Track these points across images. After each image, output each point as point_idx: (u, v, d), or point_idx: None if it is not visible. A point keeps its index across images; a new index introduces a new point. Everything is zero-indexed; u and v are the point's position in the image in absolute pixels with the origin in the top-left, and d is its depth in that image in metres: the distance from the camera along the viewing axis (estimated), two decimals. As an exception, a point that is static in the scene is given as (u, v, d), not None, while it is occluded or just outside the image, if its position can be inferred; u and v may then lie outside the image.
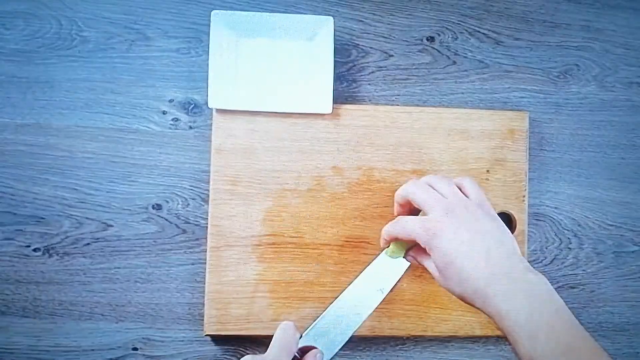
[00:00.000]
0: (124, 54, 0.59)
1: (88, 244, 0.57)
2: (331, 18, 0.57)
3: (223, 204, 0.56)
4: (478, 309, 0.45)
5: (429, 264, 0.49)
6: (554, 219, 0.62)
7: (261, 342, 0.58)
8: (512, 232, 0.59)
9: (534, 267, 0.61)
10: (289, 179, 0.57)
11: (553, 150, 0.63)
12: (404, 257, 0.51)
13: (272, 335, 0.56)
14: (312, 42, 0.58)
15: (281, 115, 0.57)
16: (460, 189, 0.50)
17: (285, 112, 0.57)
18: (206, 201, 0.58)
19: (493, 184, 0.59)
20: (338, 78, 0.61)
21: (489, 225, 0.47)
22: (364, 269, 0.51)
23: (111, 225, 0.57)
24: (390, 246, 0.51)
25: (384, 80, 0.61)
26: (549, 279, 0.62)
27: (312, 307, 0.57)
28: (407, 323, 0.58)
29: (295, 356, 0.45)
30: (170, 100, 0.59)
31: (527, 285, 0.43)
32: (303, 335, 0.47)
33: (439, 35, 0.62)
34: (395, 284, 0.50)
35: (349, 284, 0.50)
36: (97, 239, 0.57)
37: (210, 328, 0.56)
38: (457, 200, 0.48)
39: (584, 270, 0.63)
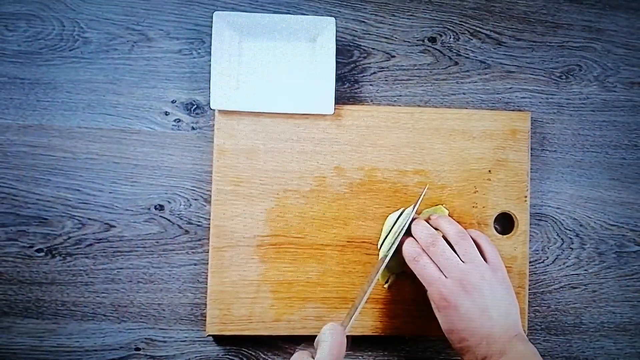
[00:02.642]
0: (126, 55, 0.59)
1: (90, 244, 0.57)
2: (333, 19, 0.57)
3: (225, 204, 0.57)
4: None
5: (431, 301, 0.52)
6: (555, 219, 0.62)
7: (263, 343, 0.58)
8: (514, 233, 0.59)
9: (536, 268, 0.62)
10: (291, 179, 0.57)
11: (555, 150, 0.63)
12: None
13: (274, 335, 0.57)
14: (314, 43, 0.58)
15: (283, 115, 0.57)
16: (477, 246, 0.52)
17: (288, 113, 0.57)
18: (208, 202, 0.58)
19: (495, 184, 0.59)
20: (340, 79, 0.61)
21: (500, 295, 0.50)
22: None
23: (114, 226, 0.57)
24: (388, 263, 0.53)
25: (386, 80, 0.61)
26: (550, 279, 0.62)
27: (314, 307, 0.57)
28: (409, 323, 0.58)
29: None
30: (173, 101, 0.59)
31: (518, 358, 0.47)
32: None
33: (440, 35, 0.62)
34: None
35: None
36: (100, 239, 0.57)
37: (213, 328, 0.56)
38: (475, 267, 0.50)
39: (585, 270, 0.63)
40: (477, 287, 0.49)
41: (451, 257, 0.51)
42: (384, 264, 0.52)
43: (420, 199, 0.55)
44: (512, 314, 0.50)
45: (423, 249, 0.52)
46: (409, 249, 0.52)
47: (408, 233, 0.54)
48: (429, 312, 0.58)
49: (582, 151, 0.63)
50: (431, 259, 0.51)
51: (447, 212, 0.58)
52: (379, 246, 0.57)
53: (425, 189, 0.57)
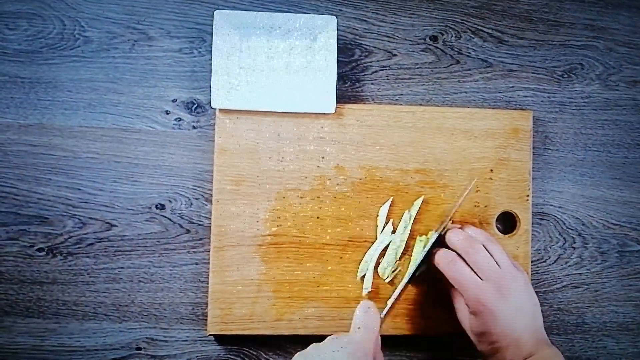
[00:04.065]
0: (127, 54, 0.59)
1: (91, 244, 0.57)
2: (334, 17, 0.57)
3: (226, 203, 0.56)
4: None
5: (462, 312, 0.54)
6: (558, 218, 0.62)
7: (265, 342, 0.58)
8: (516, 232, 0.59)
9: (538, 267, 0.62)
10: (292, 178, 0.57)
11: (557, 149, 0.63)
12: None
13: (276, 335, 0.57)
14: (315, 41, 0.58)
15: (284, 114, 0.57)
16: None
17: (289, 112, 0.57)
18: (209, 201, 0.58)
19: (497, 184, 0.59)
20: (341, 77, 0.61)
21: (528, 299, 0.51)
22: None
23: (115, 225, 0.57)
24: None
25: (387, 79, 0.61)
26: (552, 279, 0.62)
27: (316, 306, 0.56)
28: (409, 323, 0.58)
29: None
30: (174, 100, 0.59)
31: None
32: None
33: (442, 34, 0.62)
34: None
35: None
36: (101, 239, 0.57)
37: (214, 328, 0.56)
38: (509, 270, 0.52)
39: (588, 270, 0.62)
40: (512, 291, 0.50)
41: (489, 259, 0.52)
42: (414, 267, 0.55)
43: (456, 208, 0.57)
44: (537, 318, 0.52)
45: (459, 254, 0.53)
46: (444, 255, 0.53)
47: (438, 245, 0.55)
48: (430, 311, 0.58)
49: (585, 150, 0.63)
50: (467, 263, 0.52)
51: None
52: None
53: (471, 187, 0.58)
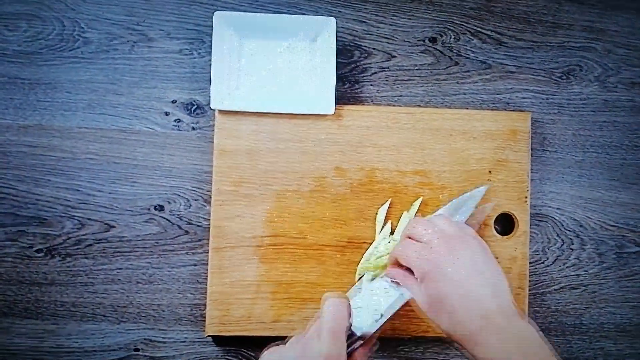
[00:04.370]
0: (127, 55, 0.59)
1: (90, 245, 0.57)
2: (333, 19, 0.57)
3: (225, 205, 0.56)
4: (460, 348, 0.46)
5: (416, 293, 0.48)
6: (556, 219, 0.62)
7: (263, 343, 0.58)
8: (514, 234, 0.59)
9: (536, 268, 0.62)
10: (291, 179, 0.57)
11: (555, 150, 0.63)
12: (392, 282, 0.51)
13: (273, 337, 0.56)
14: (315, 43, 0.58)
15: (284, 116, 0.57)
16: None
17: (288, 113, 0.57)
18: (208, 202, 0.58)
19: (495, 185, 0.59)
20: (340, 79, 0.61)
21: (486, 266, 0.47)
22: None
23: (113, 226, 0.57)
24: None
25: (386, 81, 0.61)
26: (550, 280, 0.62)
27: (314, 308, 0.56)
28: (409, 324, 0.58)
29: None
30: (173, 102, 0.59)
31: (517, 335, 0.43)
32: None
33: (441, 36, 0.62)
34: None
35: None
36: (99, 240, 0.57)
37: (212, 329, 0.56)
38: (455, 232, 0.48)
39: (585, 271, 0.63)
40: (462, 251, 0.47)
41: (433, 227, 0.49)
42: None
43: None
44: (500, 286, 0.46)
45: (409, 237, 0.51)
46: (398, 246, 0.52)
47: None
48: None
49: (583, 152, 0.63)
50: (414, 240, 0.50)
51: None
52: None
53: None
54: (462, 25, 0.63)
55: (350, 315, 0.45)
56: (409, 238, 0.50)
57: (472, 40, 0.62)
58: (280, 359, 0.43)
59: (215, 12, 0.56)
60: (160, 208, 0.58)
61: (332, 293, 0.46)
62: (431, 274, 0.47)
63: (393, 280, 0.50)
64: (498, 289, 0.46)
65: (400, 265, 0.51)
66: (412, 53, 0.62)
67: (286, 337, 0.56)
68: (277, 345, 0.44)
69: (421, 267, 0.47)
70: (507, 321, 0.44)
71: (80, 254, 0.57)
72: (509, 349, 0.43)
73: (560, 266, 0.62)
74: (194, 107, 0.59)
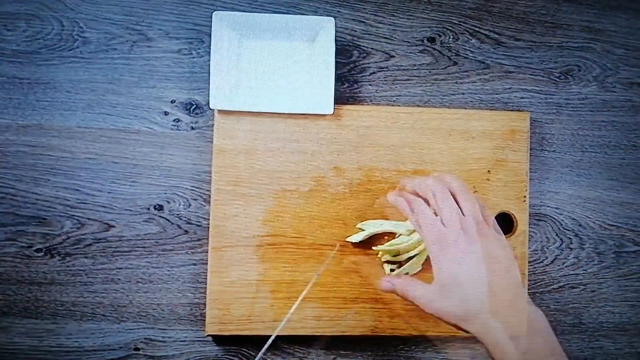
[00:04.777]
0: (126, 54, 0.59)
1: (90, 244, 0.57)
2: (332, 19, 0.57)
3: (224, 204, 0.57)
4: (468, 332, 0.45)
5: (418, 288, 0.48)
6: (554, 219, 0.62)
7: (263, 342, 0.58)
8: (513, 233, 0.59)
9: (535, 268, 0.62)
10: (290, 179, 0.57)
11: (554, 150, 0.63)
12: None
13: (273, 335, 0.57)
14: (314, 43, 0.58)
15: (283, 116, 0.57)
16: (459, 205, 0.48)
17: (287, 113, 0.57)
18: (208, 202, 0.58)
19: (494, 184, 0.59)
20: (339, 79, 0.61)
21: (499, 251, 0.46)
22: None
23: (113, 226, 0.57)
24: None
25: (385, 80, 0.61)
26: (549, 279, 0.62)
27: (313, 307, 0.57)
28: (409, 323, 0.58)
29: None
30: (172, 101, 0.59)
31: (528, 320, 0.44)
32: None
33: (439, 36, 0.62)
34: None
35: None
36: (99, 239, 0.57)
37: (212, 328, 0.56)
38: (472, 219, 0.47)
39: (584, 270, 0.63)
40: (475, 237, 0.46)
41: (453, 207, 0.47)
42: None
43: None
44: (513, 272, 0.46)
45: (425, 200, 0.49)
46: (402, 195, 0.50)
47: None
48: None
49: (581, 151, 0.63)
50: (434, 212, 0.48)
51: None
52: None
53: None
54: (461, 25, 0.63)
55: None
56: (426, 202, 0.49)
57: (471, 40, 0.63)
58: None
59: (214, 12, 0.56)
60: (160, 207, 0.58)
61: None
62: (445, 253, 0.46)
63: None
64: (511, 273, 0.46)
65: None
66: (411, 53, 0.62)
67: (286, 336, 0.57)
68: None
69: (434, 245, 0.46)
70: (517, 304, 0.44)
71: (80, 254, 0.57)
72: (519, 332, 0.43)
73: (559, 265, 0.62)
74: (193, 107, 0.59)
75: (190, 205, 0.58)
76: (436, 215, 0.48)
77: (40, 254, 0.57)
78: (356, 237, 0.57)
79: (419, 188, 0.50)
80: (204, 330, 0.57)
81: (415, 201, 0.49)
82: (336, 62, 0.58)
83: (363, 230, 0.57)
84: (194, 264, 0.58)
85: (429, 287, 0.47)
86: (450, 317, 0.46)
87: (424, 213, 0.48)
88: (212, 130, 0.58)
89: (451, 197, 0.48)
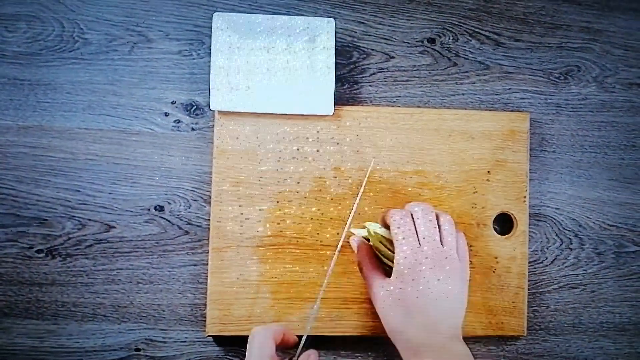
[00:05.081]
0: (126, 56, 0.59)
1: (90, 245, 0.57)
2: (332, 20, 0.57)
3: (225, 205, 0.57)
4: (394, 350, 0.49)
5: (380, 283, 0.51)
6: (554, 219, 0.62)
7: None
8: (513, 233, 0.59)
9: (535, 268, 0.62)
10: (290, 180, 0.58)
11: (554, 151, 0.63)
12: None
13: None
14: (314, 44, 0.58)
15: (283, 116, 0.58)
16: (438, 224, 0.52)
17: (287, 114, 0.57)
18: (208, 202, 0.58)
19: (494, 185, 0.59)
20: (339, 79, 0.61)
21: (458, 289, 0.50)
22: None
23: (114, 227, 0.58)
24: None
25: (385, 81, 0.61)
26: (549, 280, 0.63)
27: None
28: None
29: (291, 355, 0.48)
30: (173, 102, 0.59)
31: (454, 355, 0.47)
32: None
33: (439, 36, 0.62)
34: None
35: None
36: (100, 240, 0.57)
37: (213, 329, 0.56)
38: (450, 251, 0.51)
39: (584, 271, 0.63)
40: (445, 271, 0.49)
41: (435, 232, 0.51)
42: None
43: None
44: (459, 313, 0.50)
45: (412, 217, 0.52)
46: (400, 211, 0.52)
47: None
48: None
49: (581, 152, 0.63)
50: (415, 228, 0.51)
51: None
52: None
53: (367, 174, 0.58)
54: (461, 26, 0.63)
55: (278, 340, 0.47)
56: (411, 216, 0.52)
57: (471, 41, 0.63)
58: None
59: (215, 13, 0.56)
60: (160, 208, 0.58)
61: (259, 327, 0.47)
62: (408, 272, 0.49)
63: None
64: (456, 313, 0.50)
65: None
66: (411, 54, 0.62)
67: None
68: None
69: (403, 261, 0.49)
70: (449, 342, 0.48)
71: (81, 255, 0.57)
72: None
73: (559, 266, 0.62)
74: (194, 108, 0.59)
75: (190, 206, 0.58)
76: (416, 232, 0.51)
77: (41, 255, 0.57)
78: (361, 232, 0.57)
79: (411, 209, 0.53)
80: (205, 331, 0.57)
81: (403, 215, 0.52)
82: (336, 63, 0.58)
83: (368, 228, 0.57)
84: (195, 265, 0.58)
85: (383, 286, 0.51)
86: (385, 324, 0.50)
87: (406, 226, 0.51)
88: (213, 131, 0.58)
89: (435, 221, 0.52)
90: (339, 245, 0.55)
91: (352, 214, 0.56)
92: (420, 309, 0.48)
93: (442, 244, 0.51)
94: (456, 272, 0.50)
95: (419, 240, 0.50)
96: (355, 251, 0.55)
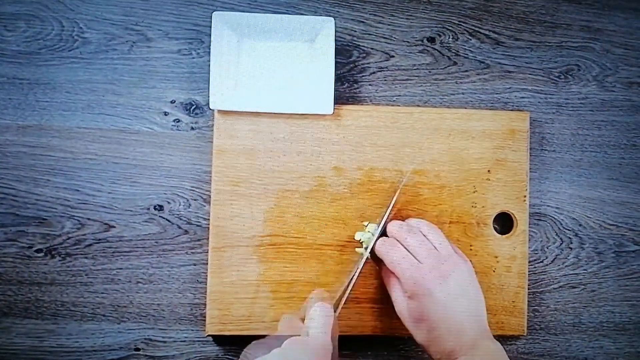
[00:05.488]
0: (126, 55, 0.59)
1: (90, 244, 0.57)
2: (332, 19, 0.57)
3: (224, 204, 0.57)
4: (429, 356, 0.50)
5: (400, 302, 0.52)
6: (554, 218, 0.62)
7: (263, 343, 0.58)
8: (513, 232, 0.59)
9: (535, 267, 0.62)
10: (290, 179, 0.57)
11: (554, 150, 0.63)
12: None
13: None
14: (313, 43, 0.58)
15: (282, 116, 0.57)
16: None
17: (287, 113, 0.57)
18: (208, 202, 0.58)
19: (494, 184, 0.59)
20: (339, 79, 0.61)
21: (472, 289, 0.50)
22: None
23: (113, 226, 0.57)
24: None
25: (385, 80, 0.61)
26: (549, 279, 0.63)
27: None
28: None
29: None
30: (172, 102, 0.59)
31: (487, 355, 0.47)
32: None
33: (439, 35, 0.62)
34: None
35: None
36: (99, 239, 0.57)
37: (212, 328, 0.56)
38: (450, 256, 0.51)
39: (584, 270, 0.63)
40: (452, 275, 0.50)
41: (426, 244, 0.51)
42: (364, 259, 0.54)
43: (394, 200, 0.57)
44: (481, 309, 0.50)
45: (398, 241, 0.52)
46: (383, 241, 0.53)
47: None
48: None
49: (581, 151, 0.63)
50: (406, 249, 0.51)
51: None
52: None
53: (402, 185, 0.58)
54: (461, 25, 0.63)
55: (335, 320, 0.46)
56: (397, 240, 0.52)
57: (471, 40, 0.63)
58: None
59: (214, 12, 0.56)
60: (160, 208, 0.58)
61: (318, 295, 0.47)
62: (419, 293, 0.49)
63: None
64: (478, 312, 0.50)
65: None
66: (411, 53, 0.62)
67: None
68: (260, 343, 0.43)
69: (411, 285, 0.50)
70: (480, 341, 0.48)
71: (80, 254, 0.57)
72: None
73: (559, 265, 0.62)
74: (193, 107, 0.59)
75: (190, 205, 0.58)
76: (410, 253, 0.51)
77: (40, 255, 0.57)
78: (361, 235, 0.57)
79: (391, 234, 0.54)
80: (204, 331, 0.57)
81: (390, 244, 0.52)
82: (336, 62, 0.58)
83: (368, 228, 0.57)
84: (194, 264, 0.58)
85: (403, 301, 0.51)
86: (415, 337, 0.51)
87: (396, 252, 0.51)
88: (212, 130, 0.58)
89: (422, 235, 0.52)
90: (370, 247, 0.54)
91: (385, 215, 0.56)
92: (442, 320, 0.48)
93: (437, 250, 0.51)
94: (463, 271, 0.51)
95: (415, 258, 0.51)
96: (379, 268, 0.55)
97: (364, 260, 0.54)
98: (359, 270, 0.53)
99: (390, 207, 0.56)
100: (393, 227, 0.54)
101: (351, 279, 0.52)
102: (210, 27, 0.57)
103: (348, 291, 0.51)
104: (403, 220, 0.55)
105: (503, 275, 0.59)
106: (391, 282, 0.53)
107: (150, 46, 0.59)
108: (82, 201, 0.57)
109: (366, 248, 0.55)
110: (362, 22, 0.62)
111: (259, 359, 0.41)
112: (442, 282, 0.49)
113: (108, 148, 0.58)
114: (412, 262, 0.50)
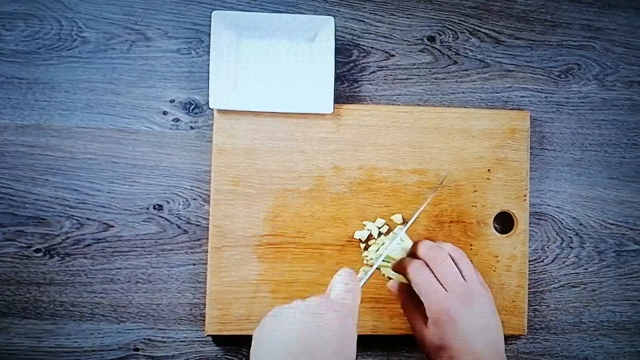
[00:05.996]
0: (125, 54, 0.59)
1: (89, 244, 0.57)
2: (332, 18, 0.57)
3: (224, 204, 0.56)
4: None
5: (420, 328, 0.51)
6: (555, 218, 0.62)
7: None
8: (513, 232, 0.59)
9: (536, 267, 0.62)
10: (290, 179, 0.57)
11: (554, 149, 0.63)
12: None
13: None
14: (313, 42, 0.58)
15: (282, 115, 0.57)
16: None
17: (287, 112, 0.57)
18: (207, 201, 0.58)
19: (494, 183, 0.59)
20: (339, 78, 0.61)
21: (492, 318, 0.50)
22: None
23: (112, 226, 0.57)
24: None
25: (385, 80, 0.61)
26: (550, 279, 0.62)
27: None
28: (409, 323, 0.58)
29: None
30: (171, 101, 0.59)
31: None
32: None
33: (439, 34, 0.62)
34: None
35: None
36: (98, 239, 0.57)
37: (212, 328, 0.56)
38: (475, 285, 0.51)
39: (585, 269, 0.63)
40: (477, 306, 0.50)
41: (455, 272, 0.51)
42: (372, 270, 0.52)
43: (424, 205, 0.56)
44: (500, 342, 0.50)
45: (426, 264, 0.52)
46: (414, 263, 0.52)
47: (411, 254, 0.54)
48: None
49: (582, 150, 0.63)
50: (433, 273, 0.51)
51: (409, 240, 0.55)
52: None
53: (433, 195, 0.57)
54: (461, 24, 0.62)
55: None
56: (425, 262, 0.52)
57: (471, 39, 0.62)
58: (285, 323, 0.42)
59: (214, 12, 0.56)
60: (159, 207, 0.58)
61: (345, 268, 0.47)
62: (442, 320, 0.49)
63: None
64: (496, 341, 0.50)
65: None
66: (411, 52, 0.62)
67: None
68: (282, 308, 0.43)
69: (435, 311, 0.50)
70: None
71: (79, 254, 0.57)
72: None
73: (559, 264, 0.62)
74: (193, 107, 0.59)
75: (189, 205, 0.58)
76: (437, 279, 0.51)
77: (39, 254, 0.57)
78: (361, 234, 0.57)
79: (422, 255, 0.53)
80: (204, 330, 0.57)
81: (419, 266, 0.52)
82: (336, 61, 0.58)
83: (367, 227, 0.57)
84: (194, 264, 0.58)
85: (423, 326, 0.51)
86: (434, 357, 0.50)
87: (425, 276, 0.51)
88: (212, 129, 0.57)
89: (452, 261, 0.52)
90: (383, 256, 0.53)
91: (413, 217, 0.55)
92: (463, 349, 0.48)
93: (464, 279, 0.51)
94: (487, 304, 0.50)
95: (442, 285, 0.50)
96: (396, 294, 0.55)
97: (376, 267, 0.52)
98: (372, 272, 0.52)
99: (421, 209, 0.55)
100: (424, 248, 0.52)
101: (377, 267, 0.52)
102: (210, 26, 0.57)
103: (371, 271, 0.51)
104: (433, 242, 0.54)
105: (503, 274, 0.59)
106: (413, 305, 0.52)
107: (150, 45, 0.59)
108: (81, 201, 0.57)
109: (385, 259, 0.54)
110: (362, 21, 0.61)
111: (281, 306, 0.42)
112: (467, 313, 0.49)
113: (107, 147, 0.58)
114: (439, 289, 0.50)
